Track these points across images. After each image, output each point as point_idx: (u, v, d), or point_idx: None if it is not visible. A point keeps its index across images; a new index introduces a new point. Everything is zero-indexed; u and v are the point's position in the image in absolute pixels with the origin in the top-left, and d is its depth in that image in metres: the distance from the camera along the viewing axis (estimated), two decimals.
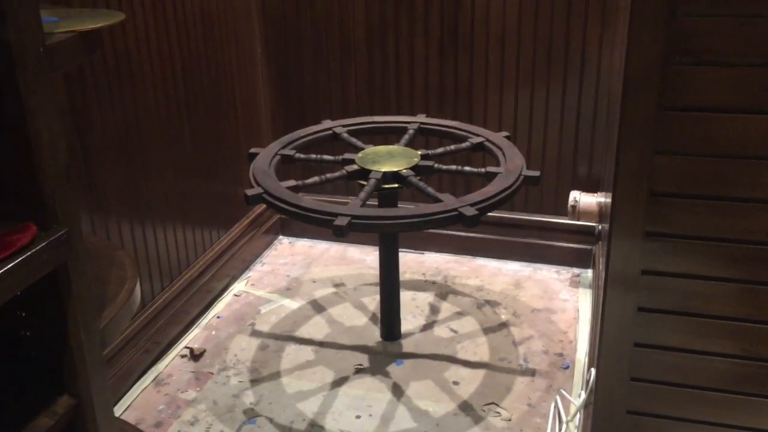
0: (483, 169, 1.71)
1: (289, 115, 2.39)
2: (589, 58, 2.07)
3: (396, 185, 1.69)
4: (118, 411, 1.74)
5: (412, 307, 2.12)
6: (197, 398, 1.78)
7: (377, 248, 1.92)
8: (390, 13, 2.17)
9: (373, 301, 2.15)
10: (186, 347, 1.96)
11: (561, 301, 2.14)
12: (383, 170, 1.69)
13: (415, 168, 1.71)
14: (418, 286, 2.23)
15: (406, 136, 1.88)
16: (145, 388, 1.82)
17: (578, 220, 2.13)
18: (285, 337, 2.01)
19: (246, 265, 2.34)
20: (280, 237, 2.54)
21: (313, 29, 2.26)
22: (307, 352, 1.94)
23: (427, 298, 2.17)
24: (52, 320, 0.90)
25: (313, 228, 2.29)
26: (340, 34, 2.24)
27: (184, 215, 2.01)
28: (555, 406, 1.72)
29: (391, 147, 1.82)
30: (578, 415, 1.66)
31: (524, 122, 2.19)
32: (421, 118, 1.98)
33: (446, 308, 2.12)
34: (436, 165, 1.74)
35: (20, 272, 0.79)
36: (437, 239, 2.37)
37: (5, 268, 0.77)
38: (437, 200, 1.58)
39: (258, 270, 2.35)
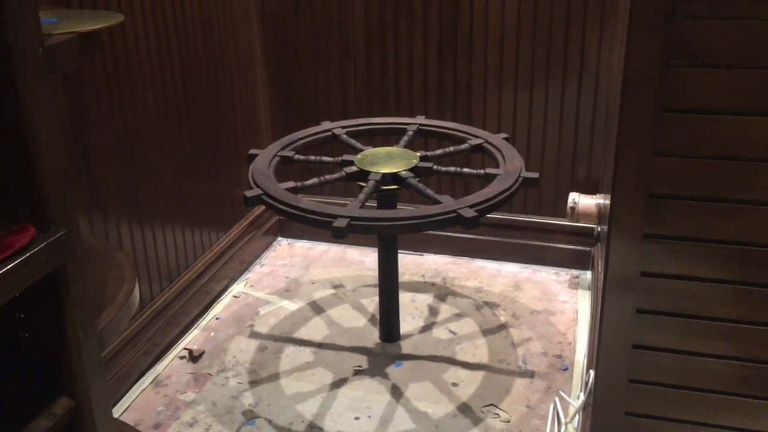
0: (482, 171, 1.71)
1: (288, 117, 2.39)
2: (588, 60, 2.07)
3: (395, 187, 1.69)
4: (116, 412, 1.74)
5: (411, 309, 2.12)
6: (196, 399, 1.78)
7: (376, 250, 1.92)
8: (389, 15, 2.17)
9: (372, 302, 2.15)
10: (185, 348, 1.96)
11: (560, 303, 2.14)
12: (382, 172, 1.69)
13: (414, 169, 1.71)
14: (417, 287, 2.23)
15: (405, 138, 1.88)
16: (144, 389, 1.82)
17: (577, 222, 2.13)
18: (284, 338, 2.01)
19: (245, 267, 2.34)
20: (279, 238, 2.54)
21: (312, 31, 2.27)
22: (306, 354, 1.94)
23: (426, 299, 2.17)
24: (50, 322, 0.90)
25: (313, 229, 2.29)
26: (340, 35, 2.24)
27: (183, 216, 2.01)
28: (554, 408, 1.72)
29: (390, 148, 1.82)
30: (577, 417, 1.66)
31: (523, 124, 2.19)
32: (420, 119, 1.99)
33: (445, 310, 2.12)
34: (435, 166, 1.74)
35: (19, 274, 0.79)
36: (436, 241, 2.37)
37: (4, 270, 0.77)
38: (436, 202, 1.58)
39: (257, 271, 2.35)
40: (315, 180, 1.69)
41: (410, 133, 1.90)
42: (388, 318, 1.97)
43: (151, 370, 1.88)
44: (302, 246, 2.50)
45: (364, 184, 1.67)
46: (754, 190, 1.13)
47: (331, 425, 1.69)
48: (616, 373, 1.30)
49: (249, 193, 1.62)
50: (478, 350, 1.94)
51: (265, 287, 2.26)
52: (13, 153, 0.82)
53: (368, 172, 1.69)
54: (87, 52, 1.05)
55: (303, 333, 2.03)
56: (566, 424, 1.66)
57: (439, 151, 1.82)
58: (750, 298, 1.19)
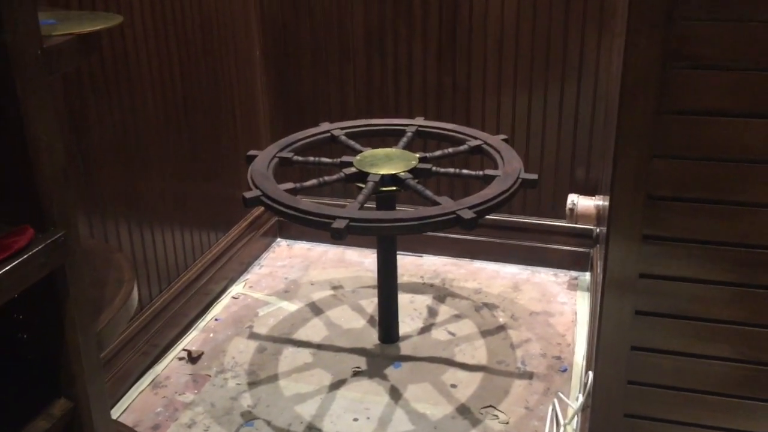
0: (481, 172, 1.71)
1: (287, 118, 2.39)
2: (587, 62, 2.08)
3: (394, 188, 1.69)
4: (115, 413, 1.74)
5: (410, 310, 2.12)
6: (195, 401, 1.78)
7: (375, 251, 1.92)
8: (388, 17, 2.17)
9: (371, 303, 2.15)
10: (184, 350, 1.96)
11: (559, 304, 2.14)
12: (381, 173, 1.69)
13: (413, 171, 1.71)
14: (416, 288, 2.23)
15: (404, 139, 1.88)
16: (143, 390, 1.82)
17: (576, 223, 2.13)
18: (283, 339, 2.01)
19: (244, 268, 2.34)
20: (278, 239, 2.54)
21: (311, 32, 2.27)
22: (304, 355, 1.94)
23: (425, 300, 2.17)
24: (49, 323, 0.90)
25: (312, 231, 2.29)
26: (339, 37, 2.24)
27: (182, 218, 2.01)
28: (553, 409, 1.72)
29: (389, 150, 1.82)
30: (576, 418, 1.66)
31: (522, 125, 2.19)
32: (419, 120, 1.99)
33: (444, 311, 2.12)
34: (434, 168, 1.74)
35: (17, 275, 0.79)
36: (435, 242, 2.37)
37: (2, 271, 0.77)
38: (435, 203, 1.58)
39: (256, 272, 2.35)
40: (314, 181, 1.69)
41: (409, 134, 1.90)
42: (387, 319, 1.97)
43: (150, 371, 1.88)
44: (301, 247, 2.50)
45: (363, 186, 1.67)
46: (752, 192, 1.13)
47: (330, 426, 1.69)
48: (615, 375, 1.30)
49: (248, 194, 1.62)
50: (477, 351, 1.94)
51: (264, 288, 2.26)
52: (12, 154, 0.82)
53: (367, 174, 1.69)
54: (86, 53, 1.05)
55: (302, 334, 2.03)
56: (565, 425, 1.66)
57: (438, 153, 1.82)
58: (749, 300, 1.19)
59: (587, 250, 2.27)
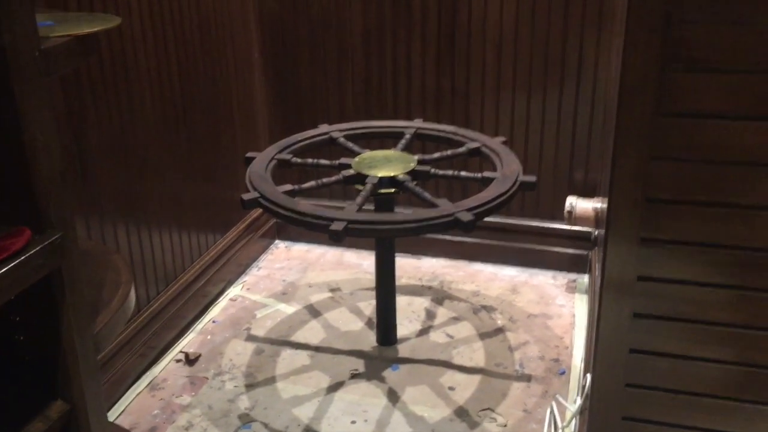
0: (479, 174, 1.71)
1: (286, 120, 2.39)
2: (586, 64, 2.08)
3: (392, 190, 1.69)
4: (112, 416, 1.73)
5: (408, 312, 2.12)
6: (192, 403, 1.78)
7: (374, 253, 1.92)
8: (387, 18, 2.18)
9: (369, 305, 2.15)
10: (181, 352, 1.96)
11: (557, 307, 2.14)
12: (380, 175, 1.69)
13: (411, 173, 1.71)
14: (414, 291, 2.23)
15: (403, 141, 1.88)
16: (140, 392, 1.81)
17: (574, 226, 2.13)
18: (280, 341, 2.01)
19: (242, 270, 2.34)
20: (277, 241, 2.54)
21: (310, 33, 2.27)
22: (302, 357, 1.94)
23: (423, 303, 2.17)
24: (46, 325, 0.90)
25: (310, 232, 2.29)
26: (338, 38, 2.24)
27: (180, 219, 2.00)
28: (551, 412, 1.72)
29: (387, 152, 1.82)
30: (574, 421, 1.66)
31: (521, 127, 2.19)
32: (418, 122, 1.99)
33: (442, 313, 2.12)
34: (432, 170, 1.74)
35: (14, 276, 0.79)
36: (433, 244, 2.37)
37: None
38: (434, 205, 1.58)
39: (254, 274, 2.35)
40: (312, 183, 1.69)
41: (408, 136, 1.90)
42: (385, 321, 1.96)
43: (147, 373, 1.87)
44: (299, 249, 2.49)
45: (361, 188, 1.67)
46: (751, 194, 1.13)
47: (328, 429, 1.69)
48: (613, 378, 1.30)
49: (246, 196, 1.62)
50: (475, 354, 1.94)
51: (262, 290, 2.26)
52: (10, 155, 0.82)
53: (366, 176, 1.69)
54: (84, 54, 1.05)
55: (300, 336, 2.02)
56: (563, 428, 1.66)
57: (436, 155, 1.82)
58: (747, 303, 1.19)
59: (585, 252, 2.27)
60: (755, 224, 1.14)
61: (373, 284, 2.09)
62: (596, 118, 2.12)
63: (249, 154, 1.82)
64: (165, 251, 1.94)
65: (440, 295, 2.20)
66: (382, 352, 1.96)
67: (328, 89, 2.31)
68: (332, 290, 2.25)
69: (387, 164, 1.74)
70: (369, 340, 2.00)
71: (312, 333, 2.04)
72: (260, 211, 2.34)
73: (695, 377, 1.26)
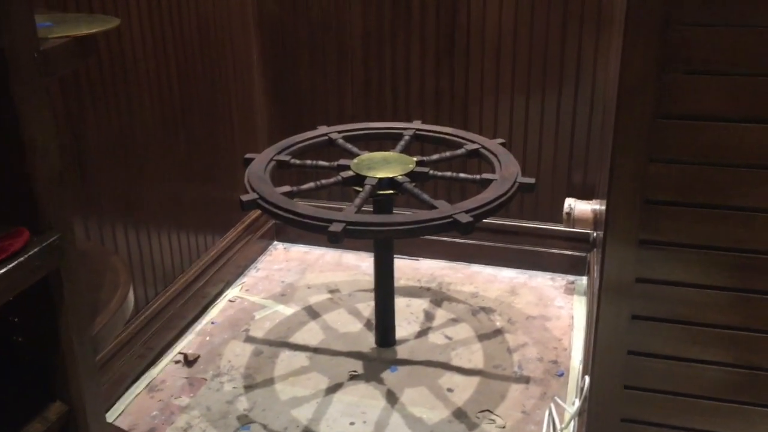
0: (478, 176, 1.71)
1: (284, 121, 2.39)
2: (585, 66, 2.08)
3: (391, 191, 1.69)
4: (111, 417, 1.73)
5: (407, 314, 2.12)
6: (191, 404, 1.78)
7: (372, 254, 1.92)
8: (387, 20, 2.18)
9: (367, 307, 2.14)
10: (180, 353, 1.96)
11: (556, 308, 2.14)
12: (378, 176, 1.69)
13: (410, 174, 1.71)
14: (412, 292, 2.23)
15: (402, 143, 1.88)
16: (139, 393, 1.81)
17: (573, 228, 2.13)
18: (279, 343, 2.00)
19: (241, 271, 2.34)
20: (275, 242, 2.54)
21: (309, 35, 2.27)
22: (301, 359, 1.94)
23: (421, 304, 2.17)
24: (44, 326, 0.89)
25: (309, 234, 2.29)
26: (337, 39, 2.24)
27: (179, 220, 2.00)
28: (549, 414, 1.72)
29: (386, 153, 1.82)
30: (572, 423, 1.66)
31: (519, 129, 2.19)
32: (417, 124, 1.99)
33: (441, 315, 2.12)
34: (431, 171, 1.74)
35: (13, 277, 0.79)
36: (432, 246, 2.37)
37: None
38: (432, 207, 1.58)
39: (253, 275, 2.34)
40: (311, 184, 1.69)
41: (407, 138, 1.90)
42: (383, 323, 1.96)
43: (146, 374, 1.87)
44: (298, 250, 2.49)
45: (360, 189, 1.67)
46: (749, 197, 1.13)
47: (327, 430, 1.69)
48: (611, 379, 1.30)
49: (245, 198, 1.62)
50: (473, 356, 1.94)
51: (261, 291, 2.26)
52: (9, 156, 0.82)
53: (364, 177, 1.69)
54: (83, 56, 1.05)
55: (298, 338, 2.02)
56: (562, 430, 1.66)
57: (435, 156, 1.82)
58: (745, 305, 1.19)
59: (584, 254, 2.27)
60: (754, 226, 1.14)
61: (371, 286, 2.09)
62: (595, 119, 2.12)
63: (248, 156, 1.82)
64: (164, 252, 1.94)
65: (439, 297, 2.20)
66: (381, 353, 1.96)
67: (327, 91, 2.31)
68: (331, 292, 2.25)
69: (386, 166, 1.74)
70: (368, 342, 2.00)
71: (311, 334, 2.04)
72: (259, 212, 2.34)
73: (693, 379, 1.26)
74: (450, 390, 1.81)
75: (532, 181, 1.67)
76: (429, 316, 2.11)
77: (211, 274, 2.16)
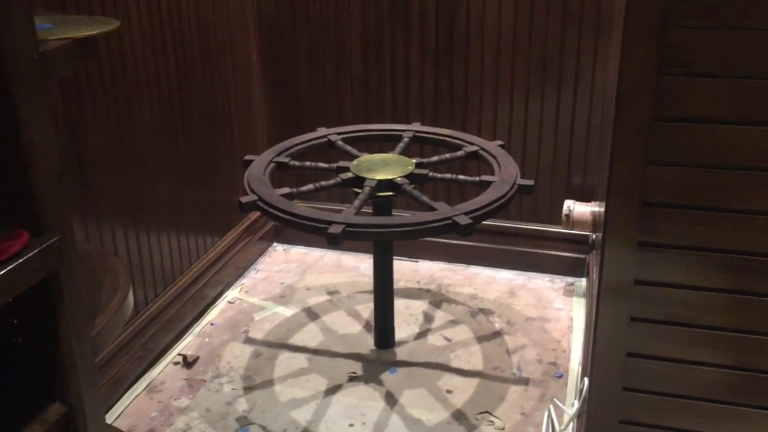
0: (477, 178, 1.71)
1: (284, 123, 2.39)
2: (584, 69, 2.08)
3: (390, 193, 1.69)
4: (110, 418, 1.73)
5: (406, 315, 2.12)
6: (190, 405, 1.78)
7: (371, 256, 1.92)
8: (386, 21, 2.18)
9: (367, 308, 2.15)
10: (179, 354, 1.96)
11: (555, 310, 2.14)
12: (378, 178, 1.69)
13: (409, 176, 1.71)
14: (412, 294, 2.23)
15: (401, 144, 1.89)
16: (138, 395, 1.81)
17: (572, 229, 2.13)
18: (278, 344, 2.01)
19: (240, 272, 2.34)
20: (275, 244, 2.54)
21: (308, 36, 2.27)
22: (300, 360, 1.94)
23: (421, 306, 2.17)
24: (44, 327, 0.90)
25: (308, 235, 2.29)
26: (336, 41, 2.25)
27: (178, 222, 2.01)
28: (548, 416, 1.72)
29: (385, 155, 1.83)
30: (571, 425, 1.66)
31: (519, 131, 2.19)
32: (416, 126, 1.99)
33: (440, 316, 2.12)
34: (430, 173, 1.74)
35: (12, 279, 0.79)
36: (431, 247, 2.37)
37: None
38: (431, 208, 1.58)
39: (252, 277, 2.35)
40: (310, 186, 1.69)
41: (406, 139, 1.91)
42: (382, 324, 1.96)
43: (145, 375, 1.87)
44: (297, 252, 2.50)
45: (359, 191, 1.67)
46: (747, 199, 1.13)
47: None
48: (610, 381, 1.30)
49: (244, 199, 1.62)
50: (472, 357, 1.94)
51: (260, 293, 2.26)
52: (8, 158, 0.82)
53: (364, 179, 1.69)
54: (83, 57, 1.05)
55: (298, 339, 2.03)
56: (561, 431, 1.66)
57: (434, 158, 1.83)
58: (744, 307, 1.19)
59: (583, 256, 2.27)
60: (752, 228, 1.14)
61: (371, 287, 2.09)
62: (594, 121, 2.12)
63: (247, 157, 1.82)
64: (163, 254, 1.95)
65: (438, 299, 2.20)
66: (380, 355, 1.96)
67: (326, 92, 2.32)
68: (330, 293, 2.25)
69: (385, 167, 1.75)
70: (367, 343, 2.00)
71: (310, 336, 2.04)
72: (258, 213, 2.34)
73: (692, 381, 1.26)
74: (449, 391, 1.81)
75: (531, 182, 1.68)
76: (428, 318, 2.11)
77: (211, 276, 2.16)
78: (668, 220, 1.17)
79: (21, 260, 0.80)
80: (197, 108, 2.03)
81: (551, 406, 1.74)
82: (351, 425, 1.71)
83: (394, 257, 1.93)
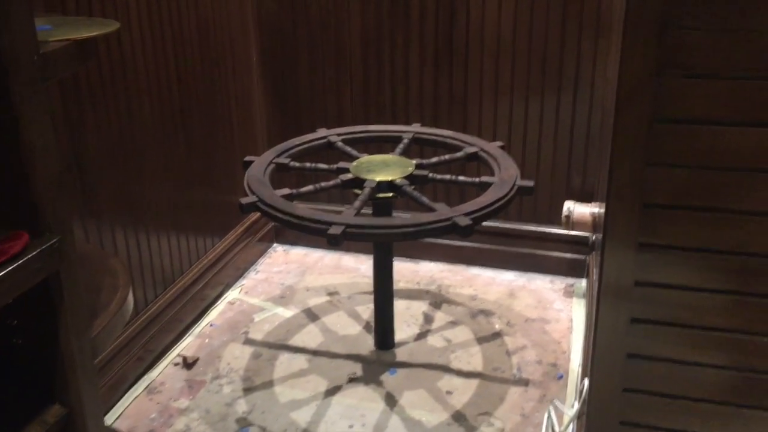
0: (477, 179, 1.71)
1: (284, 124, 2.39)
2: (584, 70, 2.08)
3: (390, 194, 1.69)
4: (109, 419, 1.73)
5: (406, 316, 2.12)
6: (190, 407, 1.78)
7: (371, 257, 1.92)
8: (385, 23, 2.18)
9: (367, 309, 2.15)
10: (179, 355, 1.96)
11: (555, 311, 2.14)
12: (378, 179, 1.69)
13: (409, 177, 1.71)
14: (412, 295, 2.23)
15: (401, 146, 1.89)
16: (138, 396, 1.81)
17: (572, 230, 2.13)
18: (278, 345, 2.00)
19: (240, 273, 2.34)
20: (275, 245, 2.54)
21: (308, 38, 2.27)
22: (300, 361, 1.94)
23: (421, 307, 2.17)
24: (44, 328, 0.90)
25: (308, 236, 2.29)
26: (336, 42, 2.25)
27: (178, 223, 2.01)
28: (548, 417, 1.72)
29: (385, 156, 1.83)
30: (571, 426, 1.66)
31: (518, 132, 2.19)
32: (416, 127, 1.99)
33: (440, 317, 2.12)
34: (430, 174, 1.74)
35: (12, 280, 0.79)
36: (431, 248, 2.37)
37: None
38: (431, 210, 1.58)
39: (252, 278, 2.35)
40: (310, 187, 1.69)
41: (406, 140, 1.91)
42: (382, 325, 1.96)
43: (145, 376, 1.87)
44: (297, 253, 2.49)
45: (359, 192, 1.67)
46: (747, 200, 1.13)
47: None
48: (610, 382, 1.30)
49: (244, 200, 1.62)
50: (472, 358, 1.94)
51: (260, 294, 2.26)
52: (8, 159, 0.82)
53: (364, 180, 1.69)
54: (83, 59, 1.05)
55: (297, 340, 2.02)
56: None
57: (434, 159, 1.83)
58: (744, 308, 1.19)
59: (583, 257, 2.27)
60: (751, 230, 1.14)
61: (371, 288, 2.09)
62: (594, 122, 2.12)
63: (247, 158, 1.83)
64: (163, 255, 1.95)
65: (438, 300, 2.20)
66: (380, 356, 1.96)
67: (326, 93, 2.32)
68: (330, 294, 2.25)
69: (385, 168, 1.75)
70: (367, 344, 2.00)
71: (310, 337, 2.04)
72: (258, 214, 2.34)
73: (692, 382, 1.26)
74: (449, 393, 1.81)
75: (531, 184, 1.68)
76: (428, 319, 2.11)
77: (211, 277, 2.16)
78: (668, 222, 1.17)
79: (21, 261, 0.80)
80: (197, 108, 2.03)
81: (551, 408, 1.74)
82: (351, 426, 1.71)
83: (394, 258, 1.93)
